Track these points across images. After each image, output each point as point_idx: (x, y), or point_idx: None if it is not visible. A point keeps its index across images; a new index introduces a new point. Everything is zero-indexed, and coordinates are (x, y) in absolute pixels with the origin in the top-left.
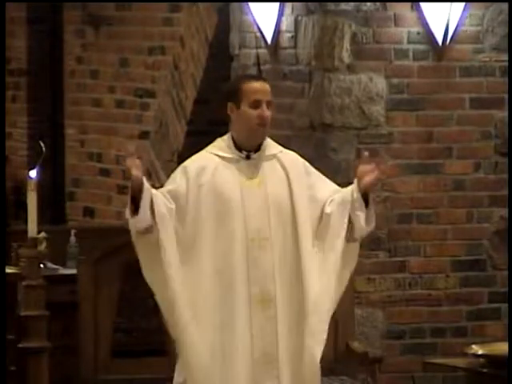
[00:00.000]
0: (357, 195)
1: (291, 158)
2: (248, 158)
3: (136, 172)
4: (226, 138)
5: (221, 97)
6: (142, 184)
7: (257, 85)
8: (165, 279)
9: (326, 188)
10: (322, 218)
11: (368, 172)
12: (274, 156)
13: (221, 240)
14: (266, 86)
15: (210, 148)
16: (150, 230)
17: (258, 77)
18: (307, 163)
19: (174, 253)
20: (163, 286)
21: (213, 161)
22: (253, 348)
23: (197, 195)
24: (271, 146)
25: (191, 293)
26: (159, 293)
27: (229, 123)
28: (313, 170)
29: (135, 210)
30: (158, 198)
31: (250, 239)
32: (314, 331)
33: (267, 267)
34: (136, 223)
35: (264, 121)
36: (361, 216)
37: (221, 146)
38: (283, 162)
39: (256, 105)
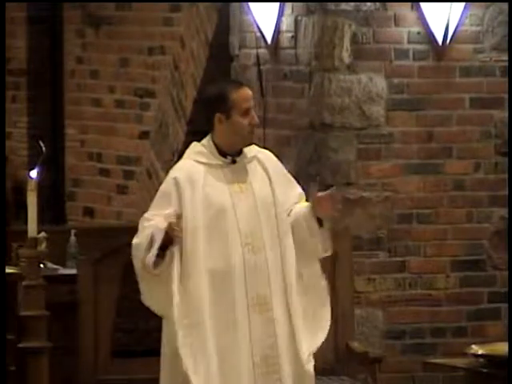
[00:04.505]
0: (313, 224)
1: (268, 157)
2: (234, 162)
3: (179, 236)
4: (207, 144)
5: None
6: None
7: (245, 92)
8: (167, 297)
9: (291, 193)
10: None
11: (324, 202)
12: (255, 157)
13: (216, 247)
14: (250, 92)
15: (192, 155)
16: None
17: (241, 83)
18: (280, 163)
19: (178, 269)
20: (166, 303)
21: (199, 169)
22: (253, 351)
23: (191, 208)
24: (250, 148)
25: (190, 301)
26: (162, 309)
27: (211, 130)
28: (285, 170)
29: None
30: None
31: (244, 244)
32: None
33: (262, 271)
34: (161, 267)
35: (254, 127)
36: (318, 244)
37: (204, 153)
38: (263, 162)
39: (246, 113)
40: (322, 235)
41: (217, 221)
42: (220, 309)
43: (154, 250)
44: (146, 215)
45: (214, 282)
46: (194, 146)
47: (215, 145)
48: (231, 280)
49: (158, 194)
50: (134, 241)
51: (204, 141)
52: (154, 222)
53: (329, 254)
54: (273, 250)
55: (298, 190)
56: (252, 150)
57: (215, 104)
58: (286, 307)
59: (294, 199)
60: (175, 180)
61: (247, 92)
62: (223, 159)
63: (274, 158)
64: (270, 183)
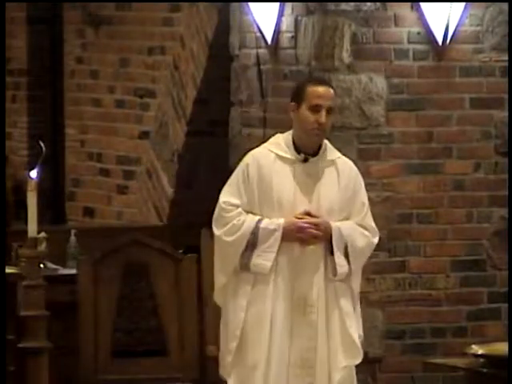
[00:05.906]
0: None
1: (349, 166)
2: (305, 161)
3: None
4: (286, 136)
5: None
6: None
7: (320, 89)
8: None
9: (353, 208)
10: None
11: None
12: (333, 162)
13: None
14: (330, 92)
15: (270, 145)
16: None
17: (324, 81)
18: (362, 183)
19: None
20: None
21: (269, 158)
22: (290, 351)
23: (256, 199)
24: (331, 151)
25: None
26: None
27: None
28: (360, 183)
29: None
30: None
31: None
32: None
33: (312, 272)
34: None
35: (321, 126)
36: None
37: (280, 144)
38: (339, 168)
39: (315, 109)
40: (331, 260)
41: (274, 215)
42: (264, 304)
43: (273, 255)
44: (223, 205)
45: (260, 277)
46: (275, 137)
47: (293, 139)
48: (278, 277)
49: (232, 180)
50: (228, 239)
51: (286, 133)
52: (244, 218)
53: (337, 279)
54: (327, 253)
55: (358, 204)
56: (333, 154)
57: (293, 94)
58: (334, 311)
59: (353, 213)
60: (247, 167)
61: (323, 90)
62: (296, 155)
63: (350, 165)
64: (338, 192)
